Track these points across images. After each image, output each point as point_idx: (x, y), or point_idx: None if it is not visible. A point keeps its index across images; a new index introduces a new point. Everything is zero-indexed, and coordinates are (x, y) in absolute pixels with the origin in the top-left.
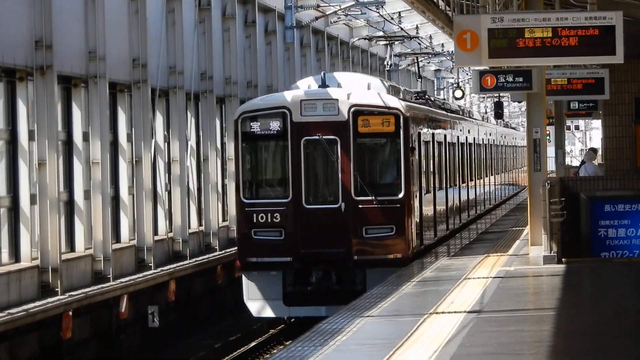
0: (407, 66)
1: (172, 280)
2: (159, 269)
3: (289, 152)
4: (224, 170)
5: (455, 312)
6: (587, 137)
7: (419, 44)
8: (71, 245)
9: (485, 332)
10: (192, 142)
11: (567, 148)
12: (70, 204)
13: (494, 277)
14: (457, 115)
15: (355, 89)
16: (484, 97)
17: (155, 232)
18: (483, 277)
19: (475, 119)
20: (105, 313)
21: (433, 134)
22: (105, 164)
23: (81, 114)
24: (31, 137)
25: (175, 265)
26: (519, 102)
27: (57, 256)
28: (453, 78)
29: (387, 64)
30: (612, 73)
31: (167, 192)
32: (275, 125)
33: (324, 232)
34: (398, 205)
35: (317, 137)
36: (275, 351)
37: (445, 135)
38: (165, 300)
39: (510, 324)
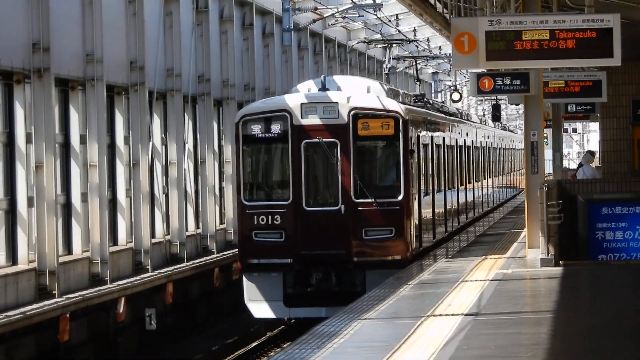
0: (404, 69)
1: (170, 283)
2: (156, 272)
3: (289, 154)
4: (221, 172)
5: (452, 314)
6: (584, 139)
7: (417, 46)
8: (68, 248)
9: (483, 334)
10: (189, 145)
11: (565, 151)
12: (67, 207)
13: (491, 280)
14: (455, 118)
15: (355, 92)
16: (481, 100)
17: (153, 235)
18: (480, 280)
19: (473, 121)
20: (102, 316)
21: (432, 136)
22: (103, 167)
23: (78, 117)
24: (28, 139)
25: (172, 267)
26: (517, 104)
27: (55, 259)
28: (450, 81)
29: (386, 67)
30: (609, 76)
31: (164, 195)
32: (276, 128)
33: (324, 234)
34: (397, 208)
35: (317, 140)
36: (272, 354)
37: (443, 138)
38: (162, 303)
39: (508, 326)
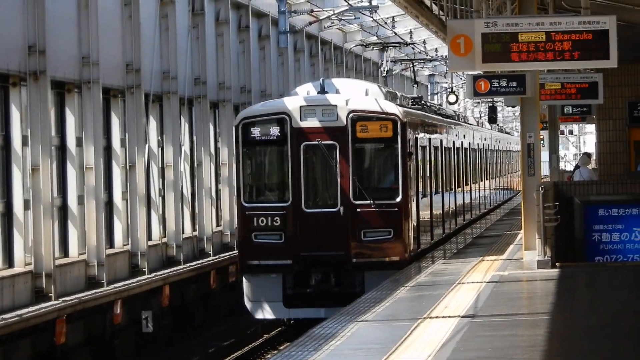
0: (400, 71)
1: (166, 286)
2: (152, 274)
3: (288, 157)
4: (217, 175)
5: (449, 316)
6: (581, 141)
7: (413, 48)
8: (65, 251)
9: (479, 336)
10: (185, 147)
11: (561, 153)
12: (63, 209)
13: (488, 282)
14: (452, 121)
15: (354, 95)
16: (478, 102)
17: (149, 237)
18: (477, 282)
19: (470, 124)
20: (99, 318)
21: (429, 139)
22: (99, 169)
23: (74, 119)
24: (24, 142)
25: (169, 270)
26: (513, 106)
27: (51, 261)
28: (447, 83)
29: (384, 70)
30: (606, 77)
31: (160, 197)
32: (275, 130)
33: (323, 236)
34: (396, 209)
35: (316, 142)
36: (269, 356)
37: (441, 140)
38: (159, 306)
39: (504, 328)
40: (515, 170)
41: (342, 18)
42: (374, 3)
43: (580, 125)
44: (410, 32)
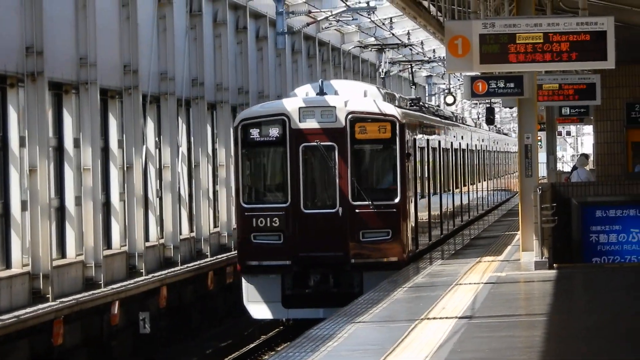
0: (398, 72)
1: (164, 287)
2: (150, 275)
3: (287, 158)
4: (215, 176)
5: (446, 317)
6: (578, 142)
7: (411, 50)
8: (62, 252)
9: (477, 337)
10: (183, 148)
11: (559, 154)
12: (61, 210)
13: (485, 283)
14: (450, 122)
15: (352, 97)
16: (476, 103)
17: (147, 239)
18: (474, 283)
19: (468, 125)
20: (96, 319)
21: (428, 140)
22: (96, 170)
23: (72, 120)
24: (22, 143)
25: (166, 271)
26: (511, 107)
27: (48, 262)
28: (444, 84)
29: (382, 72)
30: (603, 78)
31: (158, 199)
32: (274, 132)
33: (322, 236)
34: (394, 210)
35: (315, 143)
36: (266, 357)
37: (439, 142)
38: (156, 307)
39: (502, 329)
40: (513, 171)
41: (340, 19)
42: (371, 4)
43: (578, 126)
44: (408, 33)
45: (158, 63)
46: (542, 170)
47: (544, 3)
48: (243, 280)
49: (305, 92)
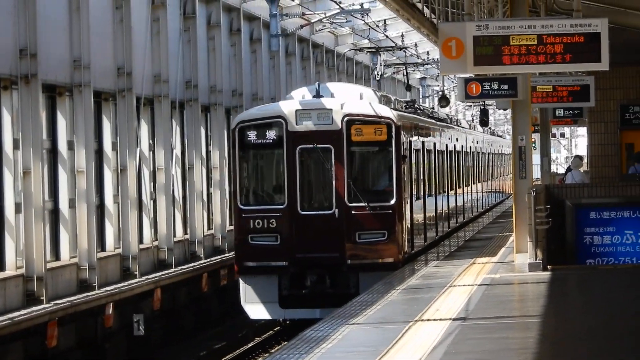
0: (392, 74)
1: (158, 289)
2: (144, 278)
3: (284, 160)
4: (209, 178)
5: (440, 319)
6: (572, 144)
7: (405, 52)
8: (56, 254)
9: (471, 339)
10: (177, 151)
11: (553, 155)
12: (55, 213)
13: (479, 285)
14: (445, 124)
15: (349, 99)
16: (470, 105)
17: (141, 241)
18: (469, 285)
19: (462, 127)
20: (90, 321)
21: (423, 142)
22: (90, 173)
23: (66, 123)
24: (16, 145)
25: (160, 273)
26: (505, 109)
27: (42, 265)
28: (438, 86)
29: (377, 74)
30: (597, 80)
31: (152, 201)
32: (271, 134)
33: (319, 237)
34: (390, 212)
35: (312, 145)
36: (260, 359)
37: (434, 143)
38: (150, 309)
39: (496, 331)
40: (507, 173)
41: (334, 21)
42: (365, 6)
43: (572, 128)
44: (402, 35)
45: (152, 65)
46: (536, 172)
47: (538, 5)
48: (240, 281)
49: (301, 95)
